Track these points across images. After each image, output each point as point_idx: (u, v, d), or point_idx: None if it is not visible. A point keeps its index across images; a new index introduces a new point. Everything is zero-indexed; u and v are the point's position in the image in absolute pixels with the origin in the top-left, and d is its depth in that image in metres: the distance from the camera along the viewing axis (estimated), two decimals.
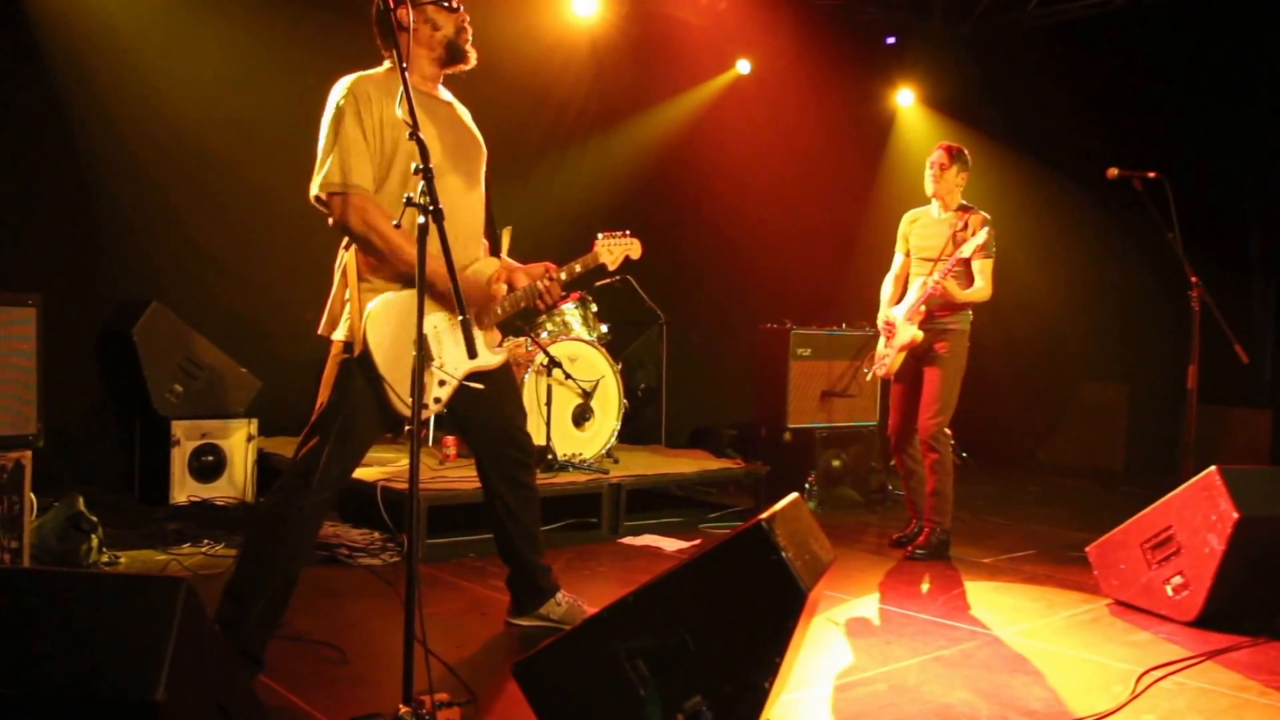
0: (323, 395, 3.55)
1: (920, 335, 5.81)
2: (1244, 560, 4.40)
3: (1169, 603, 4.62)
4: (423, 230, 2.87)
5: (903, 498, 6.43)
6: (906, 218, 6.17)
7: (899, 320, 5.92)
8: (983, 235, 5.60)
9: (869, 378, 6.85)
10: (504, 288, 3.83)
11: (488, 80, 3.92)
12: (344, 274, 3.61)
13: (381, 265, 3.55)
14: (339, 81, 3.57)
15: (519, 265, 3.99)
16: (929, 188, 5.97)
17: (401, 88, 2.97)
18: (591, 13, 8.69)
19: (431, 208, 2.86)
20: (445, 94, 3.88)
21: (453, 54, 3.74)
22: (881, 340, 6.09)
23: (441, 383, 3.65)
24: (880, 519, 7.09)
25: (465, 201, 3.78)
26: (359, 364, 3.49)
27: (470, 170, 3.83)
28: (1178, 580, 4.58)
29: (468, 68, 3.80)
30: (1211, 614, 4.46)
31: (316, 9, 7.08)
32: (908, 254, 6.12)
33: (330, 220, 3.52)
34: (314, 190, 3.49)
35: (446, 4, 3.66)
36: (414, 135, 2.90)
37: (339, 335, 3.58)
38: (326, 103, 3.55)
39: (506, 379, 4.04)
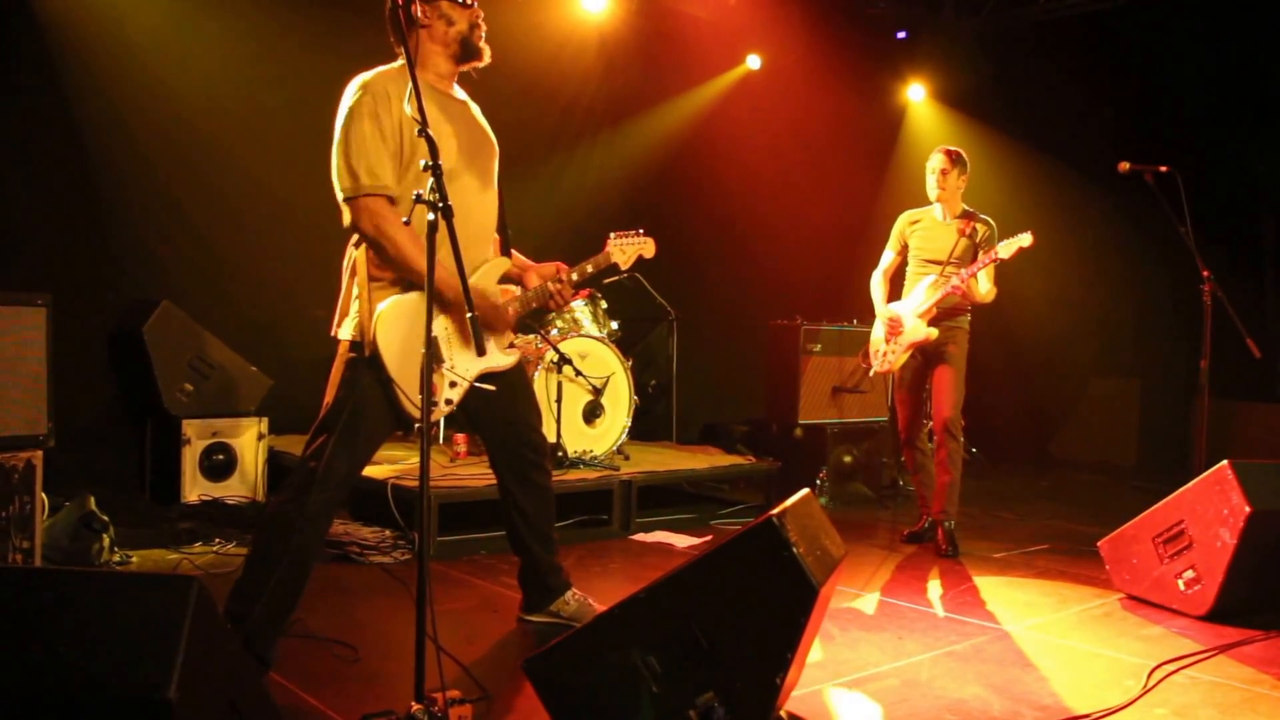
0: (330, 394, 3.55)
1: (935, 334, 5.83)
2: (1256, 554, 4.40)
3: (1181, 597, 4.61)
4: (432, 227, 2.86)
5: (914, 493, 6.42)
6: (906, 218, 6.17)
7: (906, 317, 5.92)
8: (1027, 238, 5.56)
9: (871, 375, 6.79)
10: (513, 308, 3.83)
11: (497, 76, 3.92)
12: (353, 272, 3.60)
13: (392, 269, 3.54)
14: (354, 80, 3.55)
15: (531, 264, 3.99)
16: (932, 193, 5.99)
17: (409, 86, 2.97)
18: (601, 8, 8.69)
19: (441, 205, 2.85)
20: (460, 93, 3.87)
21: (467, 50, 3.73)
22: (879, 336, 6.08)
23: (452, 384, 3.64)
24: (891, 514, 7.08)
25: (479, 201, 3.77)
26: (368, 365, 3.49)
27: (484, 170, 3.82)
28: (1190, 575, 4.57)
29: (482, 64, 3.78)
30: (1223, 608, 4.45)
31: (328, 6, 7.08)
32: (899, 253, 6.14)
33: (345, 222, 3.52)
34: (344, 192, 3.47)
35: (460, 0, 3.65)
36: (423, 132, 2.88)
37: (346, 334, 3.58)
38: (340, 101, 3.53)
39: (520, 378, 4.03)
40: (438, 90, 3.68)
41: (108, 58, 6.50)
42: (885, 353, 6.02)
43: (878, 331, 6.10)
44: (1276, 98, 8.69)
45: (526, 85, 8.26)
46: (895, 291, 6.18)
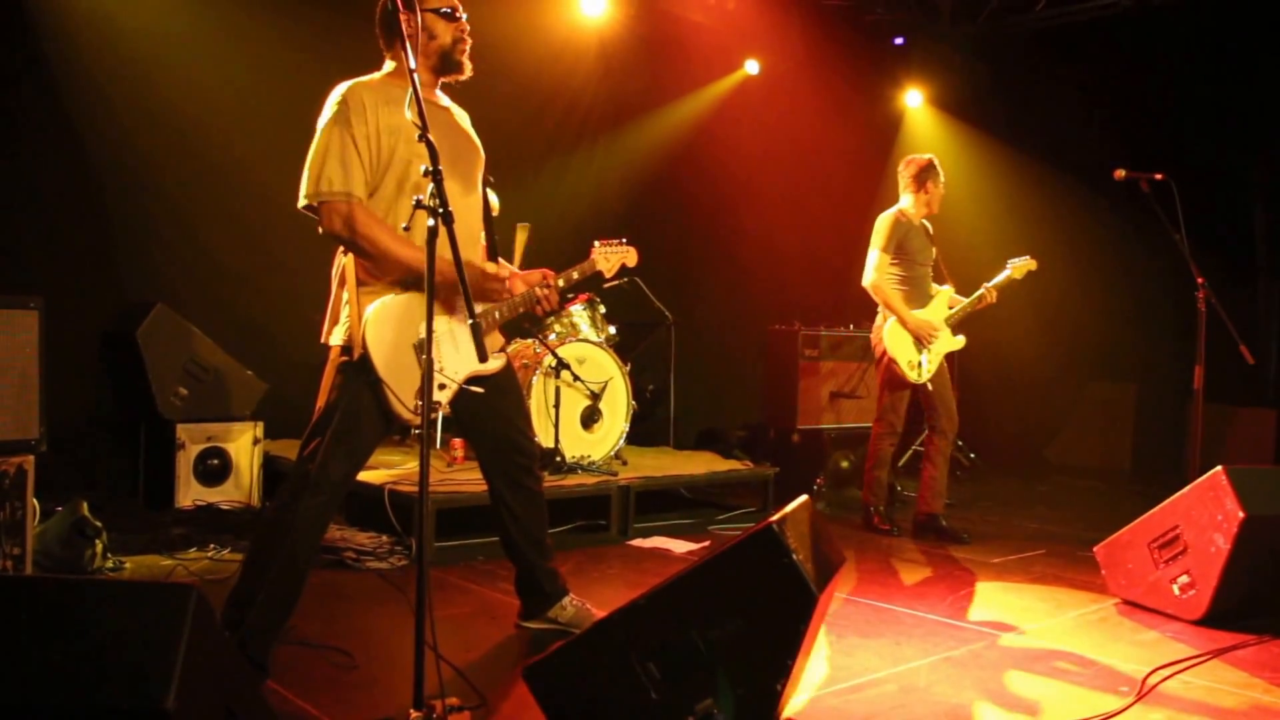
0: (322, 399, 3.56)
1: (963, 341, 6.15)
2: (1249, 559, 4.41)
3: (1176, 602, 4.62)
4: (432, 233, 2.87)
5: (912, 498, 6.46)
6: (898, 222, 6.22)
7: (944, 328, 6.15)
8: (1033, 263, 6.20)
9: (932, 388, 6.36)
10: (500, 313, 3.83)
11: (496, 80, 3.94)
12: (341, 279, 3.61)
13: (379, 269, 3.54)
14: (335, 88, 3.57)
15: (517, 272, 4.00)
16: (936, 206, 6.24)
17: (409, 92, 2.98)
18: (600, 12, 8.69)
19: (441, 210, 2.86)
20: (443, 99, 3.89)
21: (446, 63, 3.74)
22: (911, 347, 6.14)
23: (441, 386, 3.63)
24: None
25: (463, 205, 3.78)
26: (358, 368, 3.49)
27: (468, 175, 3.83)
28: (1184, 579, 4.58)
29: (463, 78, 3.80)
30: (1217, 613, 4.47)
31: (323, 10, 7.07)
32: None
33: (320, 228, 3.52)
34: (302, 199, 3.49)
35: (446, 13, 3.66)
36: (423, 137, 2.89)
37: (337, 340, 3.58)
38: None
39: (510, 382, 4.03)
40: (421, 96, 3.68)
41: (103, 60, 6.46)
42: (921, 364, 6.09)
43: (906, 343, 6.13)
44: (1270, 106, 8.72)
45: (525, 88, 8.27)
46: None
